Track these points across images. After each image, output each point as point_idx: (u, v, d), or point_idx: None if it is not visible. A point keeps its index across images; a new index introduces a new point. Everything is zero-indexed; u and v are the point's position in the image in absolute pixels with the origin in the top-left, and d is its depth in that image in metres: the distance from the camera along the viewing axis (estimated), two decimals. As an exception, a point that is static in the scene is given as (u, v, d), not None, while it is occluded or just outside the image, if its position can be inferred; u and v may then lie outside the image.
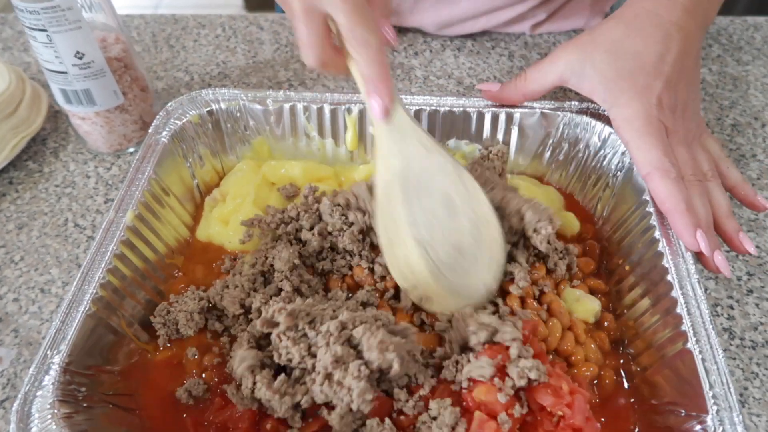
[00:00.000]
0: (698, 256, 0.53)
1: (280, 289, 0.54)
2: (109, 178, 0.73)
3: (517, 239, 0.56)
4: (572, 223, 0.62)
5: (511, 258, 0.56)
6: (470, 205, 0.53)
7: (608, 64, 0.60)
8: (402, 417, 0.45)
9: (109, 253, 0.53)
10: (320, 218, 0.59)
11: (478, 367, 0.45)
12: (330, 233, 0.58)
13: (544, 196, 0.64)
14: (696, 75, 0.64)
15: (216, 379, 0.50)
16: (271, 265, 0.56)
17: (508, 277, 0.54)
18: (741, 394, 0.53)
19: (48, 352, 0.46)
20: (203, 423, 0.48)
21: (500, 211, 0.55)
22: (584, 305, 0.54)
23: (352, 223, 0.57)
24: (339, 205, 0.58)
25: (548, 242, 0.54)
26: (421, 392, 0.46)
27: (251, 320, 0.52)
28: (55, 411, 0.43)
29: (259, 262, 0.56)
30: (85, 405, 0.46)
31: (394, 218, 0.52)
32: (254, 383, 0.46)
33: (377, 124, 0.54)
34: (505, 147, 0.67)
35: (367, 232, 0.58)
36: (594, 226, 0.63)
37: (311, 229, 0.58)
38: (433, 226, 0.52)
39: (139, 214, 0.57)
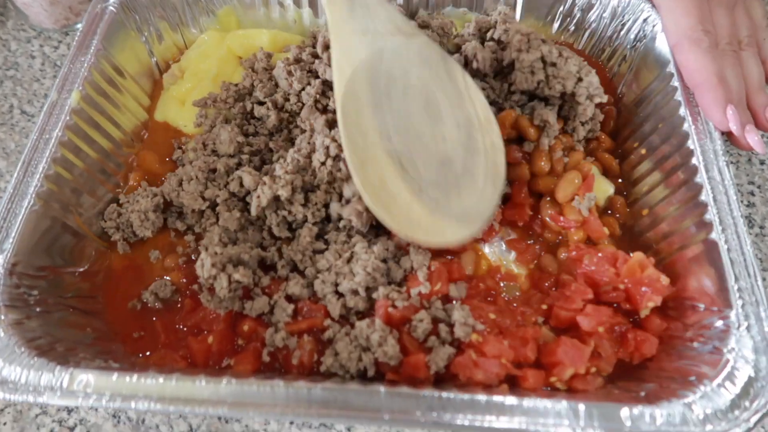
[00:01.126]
0: (727, 135, 0.47)
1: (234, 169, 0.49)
2: (57, 59, 0.64)
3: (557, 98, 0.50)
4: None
5: (533, 108, 0.50)
6: (460, 105, 0.42)
7: None
8: (393, 309, 0.41)
9: (53, 140, 0.46)
10: (277, 87, 0.53)
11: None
12: (287, 102, 0.52)
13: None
14: None
15: (184, 280, 0.45)
16: (214, 151, 0.50)
17: (537, 120, 0.48)
18: (759, 286, 0.50)
19: (-11, 253, 0.41)
20: (174, 326, 0.44)
21: (554, 68, 0.47)
22: (597, 185, 0.49)
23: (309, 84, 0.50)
24: (296, 61, 0.51)
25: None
26: (422, 289, 0.42)
27: (218, 213, 0.46)
28: (2, 317, 0.39)
29: (200, 148, 0.50)
30: (38, 310, 0.41)
31: (363, 130, 0.41)
32: (231, 280, 0.41)
33: None
34: (508, 9, 0.58)
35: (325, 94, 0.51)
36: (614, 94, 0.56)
37: (266, 100, 0.52)
38: (408, 133, 0.41)
39: (87, 95, 0.49)
